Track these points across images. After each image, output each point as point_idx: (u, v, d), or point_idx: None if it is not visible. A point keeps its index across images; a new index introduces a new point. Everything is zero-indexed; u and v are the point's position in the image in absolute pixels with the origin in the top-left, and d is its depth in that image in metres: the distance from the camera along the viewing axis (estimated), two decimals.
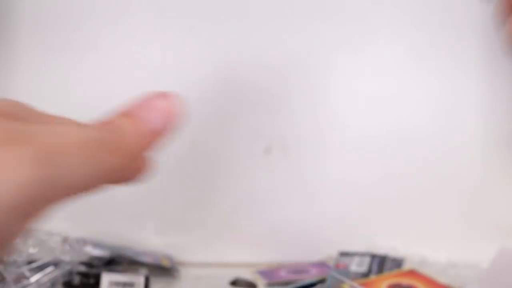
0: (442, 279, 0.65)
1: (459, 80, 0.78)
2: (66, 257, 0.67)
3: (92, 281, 0.67)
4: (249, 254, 0.82)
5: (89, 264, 0.70)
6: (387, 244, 0.77)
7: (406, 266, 0.71)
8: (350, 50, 0.79)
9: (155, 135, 0.22)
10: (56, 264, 0.66)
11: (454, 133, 0.79)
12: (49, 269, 0.65)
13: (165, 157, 0.84)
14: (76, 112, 0.84)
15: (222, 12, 0.81)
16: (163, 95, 0.24)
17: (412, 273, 0.67)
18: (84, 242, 0.74)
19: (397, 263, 0.72)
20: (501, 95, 0.77)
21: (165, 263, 0.77)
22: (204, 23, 0.81)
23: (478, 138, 0.78)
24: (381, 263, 0.71)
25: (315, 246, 0.80)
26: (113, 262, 0.73)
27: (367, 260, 0.72)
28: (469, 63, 0.77)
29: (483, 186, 0.78)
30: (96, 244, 0.76)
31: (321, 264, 0.77)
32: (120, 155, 0.20)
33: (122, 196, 0.84)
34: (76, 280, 0.67)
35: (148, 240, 0.82)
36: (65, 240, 0.69)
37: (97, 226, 0.83)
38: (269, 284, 0.72)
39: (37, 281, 0.64)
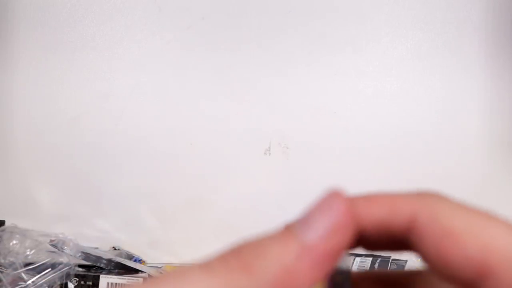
0: None
1: (462, 80, 0.77)
2: (64, 259, 0.66)
3: (90, 283, 0.66)
4: None
5: (87, 266, 0.69)
6: None
7: (409, 268, 0.70)
8: (351, 49, 0.79)
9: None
10: (53, 266, 0.65)
11: (457, 133, 0.78)
12: (46, 271, 0.64)
13: (165, 157, 0.83)
14: (74, 110, 0.83)
15: (220, 13, 0.80)
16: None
17: None
18: (81, 244, 0.73)
19: (400, 264, 0.72)
20: (504, 95, 0.76)
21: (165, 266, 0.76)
22: (203, 24, 0.81)
23: (482, 138, 0.77)
24: (383, 265, 0.70)
25: None
26: (111, 264, 0.72)
27: (368, 261, 0.71)
28: (472, 63, 0.76)
29: (487, 187, 0.78)
30: (94, 247, 0.75)
31: None
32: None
33: (121, 196, 0.83)
34: (74, 282, 0.66)
35: (147, 239, 0.82)
36: (62, 242, 0.68)
37: (95, 227, 0.82)
38: None
39: (34, 283, 0.63)
